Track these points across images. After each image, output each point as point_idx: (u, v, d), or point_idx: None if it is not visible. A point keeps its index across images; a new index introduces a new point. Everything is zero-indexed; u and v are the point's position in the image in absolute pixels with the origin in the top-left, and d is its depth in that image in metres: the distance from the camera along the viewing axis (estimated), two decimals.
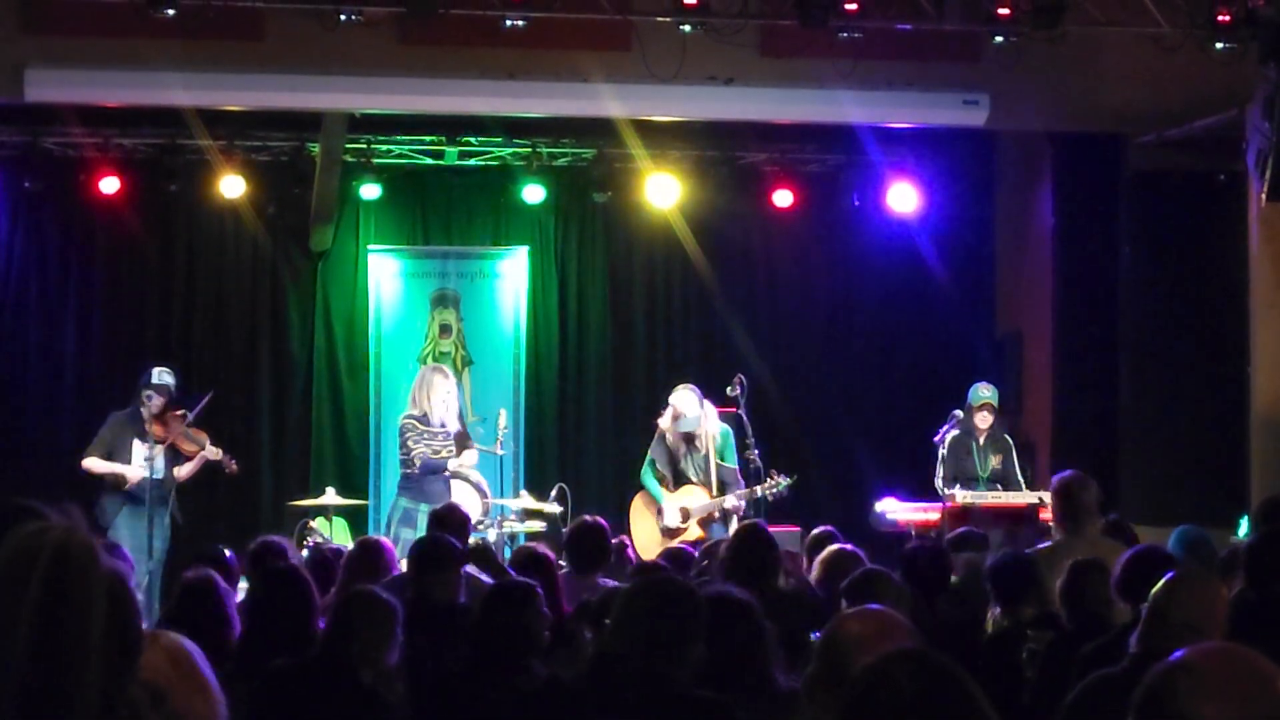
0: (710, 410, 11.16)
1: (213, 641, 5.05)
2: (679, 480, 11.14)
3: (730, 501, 10.93)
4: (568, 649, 5.75)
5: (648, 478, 11.25)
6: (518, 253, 13.60)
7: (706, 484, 11.04)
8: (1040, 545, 7.31)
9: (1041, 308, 12.82)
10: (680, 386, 11.30)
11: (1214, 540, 7.69)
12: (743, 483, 11.03)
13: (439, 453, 11.03)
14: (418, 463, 10.95)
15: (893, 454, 13.24)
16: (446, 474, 11.09)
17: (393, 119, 12.76)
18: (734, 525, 10.90)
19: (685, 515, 11.05)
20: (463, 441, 11.29)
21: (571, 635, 5.91)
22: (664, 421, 11.22)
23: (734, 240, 13.88)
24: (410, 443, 11.01)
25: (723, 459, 11.06)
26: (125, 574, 2.14)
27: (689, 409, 11.05)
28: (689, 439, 11.08)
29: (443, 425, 11.07)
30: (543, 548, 7.48)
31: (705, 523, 11.03)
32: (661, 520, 11.11)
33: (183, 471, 11.28)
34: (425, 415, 11.06)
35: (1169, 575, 4.48)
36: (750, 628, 4.46)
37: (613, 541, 8.04)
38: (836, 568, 6.69)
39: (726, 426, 11.16)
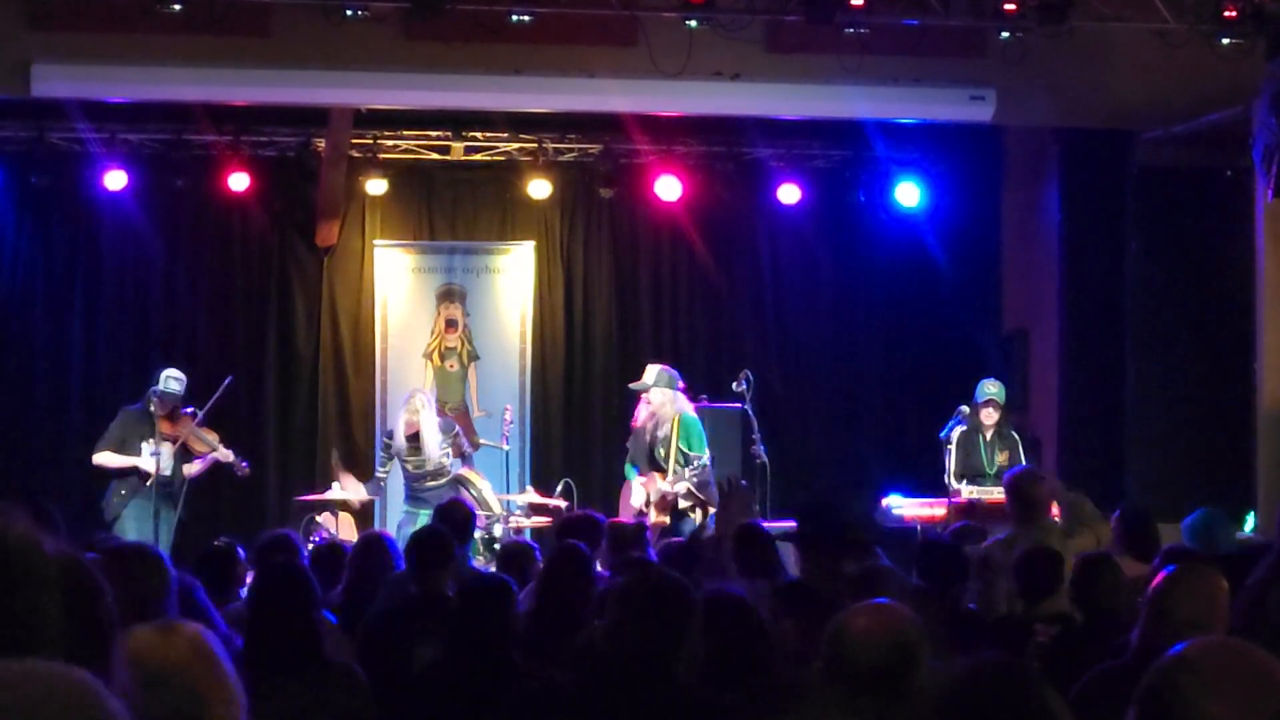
0: (665, 395, 10.94)
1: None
2: (653, 467, 11.07)
3: (664, 485, 10.79)
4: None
5: (627, 466, 11.25)
6: (524, 248, 13.59)
7: (665, 470, 10.96)
8: (993, 539, 7.46)
9: (1048, 303, 12.79)
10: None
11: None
12: (702, 471, 10.84)
13: (421, 467, 11.05)
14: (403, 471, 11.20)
15: (899, 449, 13.25)
16: (443, 481, 11.08)
17: (399, 114, 12.76)
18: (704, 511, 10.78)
19: (647, 501, 10.99)
20: (470, 439, 11.34)
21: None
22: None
23: (739, 236, 13.87)
24: (381, 455, 11.41)
25: (688, 446, 10.88)
26: (78, 555, 2.12)
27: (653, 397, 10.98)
28: (658, 426, 11.00)
29: (411, 449, 11.05)
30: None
31: (664, 507, 10.86)
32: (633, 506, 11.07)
33: (192, 469, 11.27)
34: (393, 434, 11.23)
35: (1169, 570, 4.47)
36: (748, 624, 4.44)
37: (607, 522, 8.04)
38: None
39: (691, 414, 11.00)
